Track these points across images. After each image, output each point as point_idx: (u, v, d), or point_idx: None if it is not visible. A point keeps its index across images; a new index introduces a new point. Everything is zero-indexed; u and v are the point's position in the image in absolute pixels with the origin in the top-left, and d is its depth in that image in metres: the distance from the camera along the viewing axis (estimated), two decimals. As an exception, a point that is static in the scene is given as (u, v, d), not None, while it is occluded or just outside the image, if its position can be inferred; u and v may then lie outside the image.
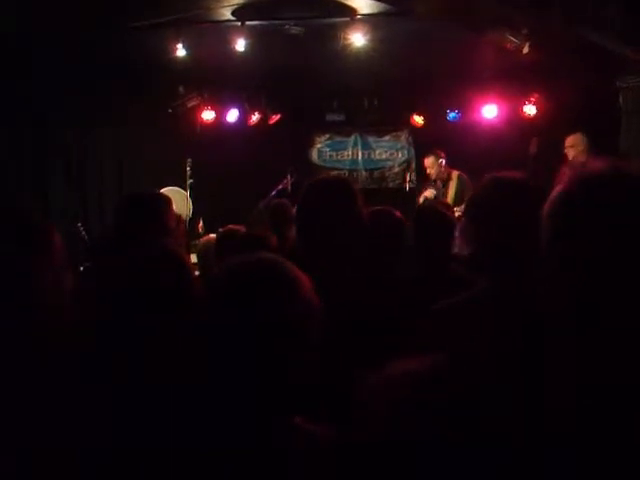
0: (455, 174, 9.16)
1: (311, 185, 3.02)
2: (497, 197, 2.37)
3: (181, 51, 8.58)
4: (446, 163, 9.25)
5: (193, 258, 5.61)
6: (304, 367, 1.80)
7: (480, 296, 2.42)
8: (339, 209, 2.86)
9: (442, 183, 9.21)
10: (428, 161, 9.32)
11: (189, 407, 1.90)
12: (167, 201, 3.65)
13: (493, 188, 2.42)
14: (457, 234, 4.71)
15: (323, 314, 1.84)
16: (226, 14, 7.96)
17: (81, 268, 5.48)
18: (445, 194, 9.04)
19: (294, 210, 6.07)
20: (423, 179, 10.12)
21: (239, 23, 8.17)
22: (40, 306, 2.34)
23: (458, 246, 4.85)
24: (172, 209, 3.72)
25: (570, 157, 8.46)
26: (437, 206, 4.86)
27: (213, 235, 8.26)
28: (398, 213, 4.46)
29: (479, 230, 2.42)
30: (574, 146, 8.46)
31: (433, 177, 9.33)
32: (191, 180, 9.39)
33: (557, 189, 1.77)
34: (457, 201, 8.47)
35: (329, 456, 1.70)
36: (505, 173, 2.46)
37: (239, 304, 1.75)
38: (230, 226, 5.31)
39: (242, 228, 5.20)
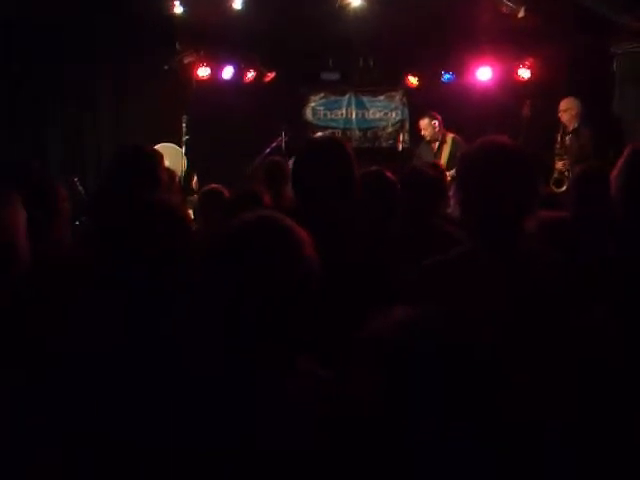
0: (450, 137, 9.25)
1: (308, 146, 3.13)
2: (482, 160, 2.47)
3: (178, 8, 8.62)
4: (441, 125, 9.34)
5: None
6: (305, 321, 1.91)
7: (463, 255, 2.54)
8: (335, 170, 2.96)
9: (437, 144, 9.33)
10: (423, 122, 9.42)
11: (189, 357, 2.01)
12: (158, 155, 3.74)
13: (479, 152, 2.52)
14: (451, 195, 4.83)
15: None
16: (224, -29, 7.97)
17: (77, 222, 5.56)
18: (439, 156, 9.15)
19: (289, 168, 6.19)
20: (417, 139, 10.21)
21: (236, -21, 8.19)
22: (43, 260, 2.41)
23: (452, 207, 4.97)
24: (163, 163, 3.80)
25: (564, 121, 8.58)
26: (425, 167, 4.97)
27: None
28: (389, 173, 4.58)
29: (465, 192, 2.53)
30: (567, 110, 8.57)
31: (427, 138, 9.42)
32: (187, 137, 9.44)
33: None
34: (451, 164, 8.54)
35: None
36: (494, 137, 2.56)
37: (244, 260, 1.85)
38: (212, 185, 5.40)
39: (223, 188, 5.30)
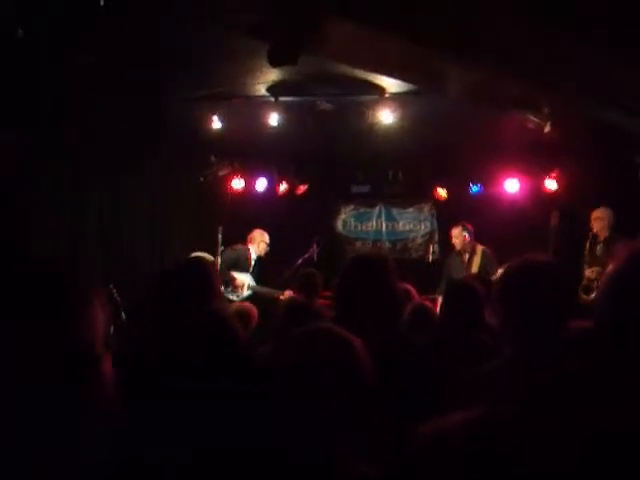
0: (480, 248, 9.43)
1: (352, 261, 3.30)
2: (522, 277, 2.66)
3: (217, 124, 8.99)
4: (472, 237, 9.52)
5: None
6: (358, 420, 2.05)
7: (507, 364, 2.68)
8: (377, 285, 3.12)
9: (467, 256, 9.48)
10: (455, 231, 9.63)
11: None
12: (215, 267, 3.94)
13: (520, 269, 2.70)
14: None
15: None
16: (261, 90, 8.31)
17: (111, 329, 5.69)
18: (469, 267, 9.31)
19: (322, 280, 6.37)
20: (446, 250, 10.38)
21: (273, 99, 8.54)
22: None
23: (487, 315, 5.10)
24: (218, 274, 4.00)
25: (595, 230, 8.73)
26: (467, 279, 5.17)
27: (243, 303, 8.50)
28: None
29: (506, 306, 2.70)
30: (599, 219, 8.75)
31: (457, 248, 9.60)
32: (222, 247, 9.63)
33: (612, 266, 2.08)
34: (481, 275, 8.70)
35: None
36: (532, 256, 2.75)
37: (314, 367, 2.02)
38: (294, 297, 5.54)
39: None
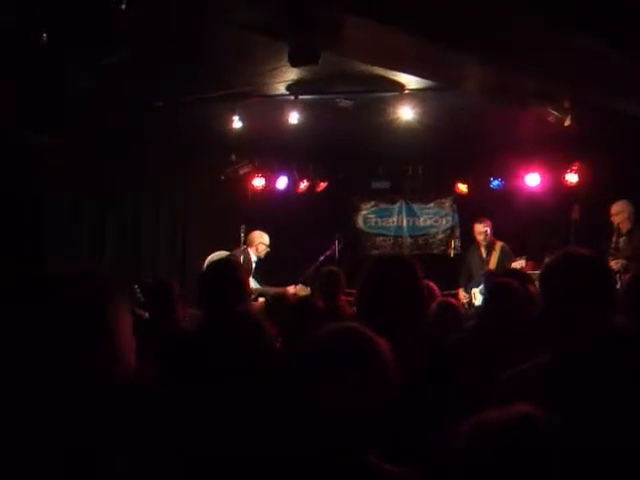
0: (499, 245, 9.45)
1: (377, 263, 3.29)
2: (566, 271, 2.65)
3: (237, 123, 9.02)
4: (491, 232, 9.52)
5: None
6: (381, 415, 2.07)
7: (545, 364, 2.67)
8: (404, 286, 3.10)
9: (485, 251, 9.51)
10: (478, 227, 9.66)
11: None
12: (243, 268, 3.97)
13: (562, 261, 2.70)
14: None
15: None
16: (281, 89, 8.34)
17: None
18: (488, 263, 9.34)
19: (344, 278, 6.37)
20: (468, 245, 10.37)
21: (293, 97, 8.57)
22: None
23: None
24: (248, 276, 4.03)
25: (616, 223, 8.68)
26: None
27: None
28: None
29: (549, 299, 2.69)
30: (619, 213, 8.68)
31: (483, 243, 9.61)
32: (244, 246, 9.63)
33: None
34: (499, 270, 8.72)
35: None
36: (575, 249, 2.75)
37: (337, 367, 2.04)
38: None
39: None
